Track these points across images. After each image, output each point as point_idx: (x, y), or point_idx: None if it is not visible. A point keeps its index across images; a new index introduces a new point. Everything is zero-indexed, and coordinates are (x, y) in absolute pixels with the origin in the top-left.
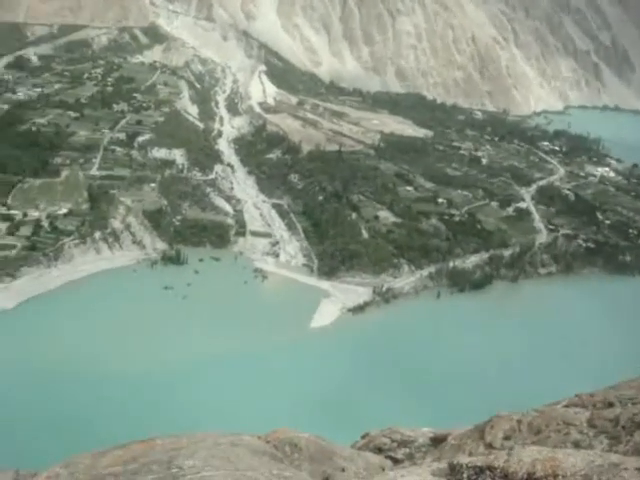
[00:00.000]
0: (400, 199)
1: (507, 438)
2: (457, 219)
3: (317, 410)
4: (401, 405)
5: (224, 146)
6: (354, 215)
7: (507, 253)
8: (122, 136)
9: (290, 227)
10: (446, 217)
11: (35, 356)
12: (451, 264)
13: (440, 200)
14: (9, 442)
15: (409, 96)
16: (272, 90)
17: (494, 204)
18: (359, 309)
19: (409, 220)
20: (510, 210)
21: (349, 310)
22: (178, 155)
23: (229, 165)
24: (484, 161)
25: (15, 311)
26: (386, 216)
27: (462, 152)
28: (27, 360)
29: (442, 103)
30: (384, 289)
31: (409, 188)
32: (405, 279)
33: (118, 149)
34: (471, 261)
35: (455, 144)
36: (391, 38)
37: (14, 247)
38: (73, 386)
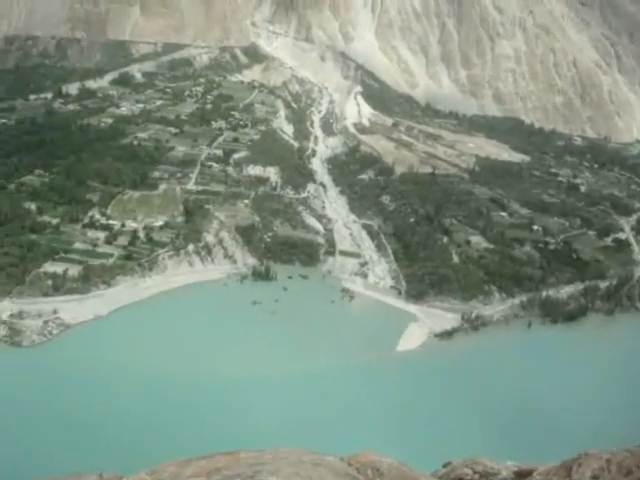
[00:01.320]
0: (493, 224)
1: (595, 477)
2: (552, 247)
3: (398, 434)
4: (483, 435)
5: (317, 165)
6: (445, 239)
7: (603, 285)
8: (219, 152)
9: (380, 248)
10: (541, 245)
11: (125, 363)
12: (544, 293)
13: (535, 227)
14: (94, 445)
15: (506, 120)
16: (367, 111)
17: (591, 233)
18: (446, 335)
19: (502, 246)
20: (608, 240)
21: (436, 335)
22: (272, 173)
23: (321, 184)
24: (582, 189)
25: (109, 318)
26: (478, 241)
27: (560, 179)
28: (117, 366)
29: (540, 128)
30: (473, 316)
31: (503, 214)
32: (495, 307)
33: (215, 165)
34: (565, 291)
35: (553, 170)
36: (490, 61)
37: (111, 256)
38: (159, 392)
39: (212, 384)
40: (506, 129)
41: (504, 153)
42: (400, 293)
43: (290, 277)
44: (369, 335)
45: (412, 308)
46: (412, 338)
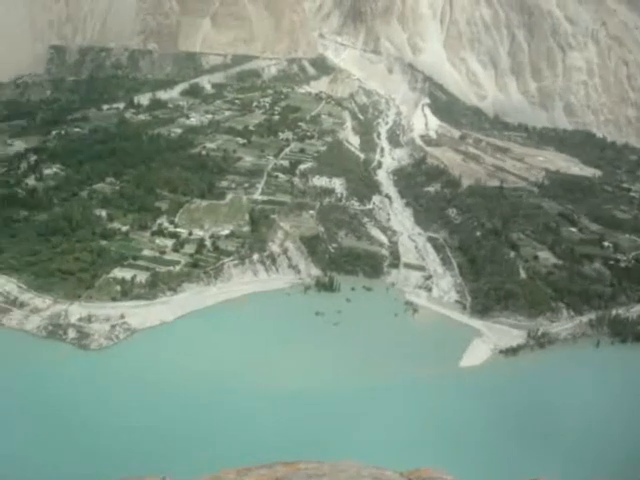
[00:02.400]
0: (562, 240)
1: None
2: (623, 265)
3: (459, 451)
4: (546, 456)
5: (383, 177)
6: (512, 254)
7: None
8: (285, 163)
9: (445, 262)
10: (611, 262)
11: (188, 369)
12: (613, 312)
13: (606, 244)
14: (157, 448)
15: (577, 133)
16: (434, 123)
17: None
18: (511, 352)
19: (571, 262)
20: None
21: (501, 352)
22: (338, 184)
23: (387, 196)
24: None
25: (174, 324)
26: (546, 257)
27: (632, 194)
28: (180, 372)
29: (613, 142)
30: (539, 333)
31: (573, 229)
32: (563, 324)
33: (281, 176)
34: (635, 310)
35: (625, 185)
36: (561, 73)
37: (178, 263)
38: (220, 399)
39: (271, 393)
40: (577, 142)
41: (574, 167)
42: (465, 308)
43: (353, 289)
44: (432, 350)
45: (477, 323)
46: (476, 354)
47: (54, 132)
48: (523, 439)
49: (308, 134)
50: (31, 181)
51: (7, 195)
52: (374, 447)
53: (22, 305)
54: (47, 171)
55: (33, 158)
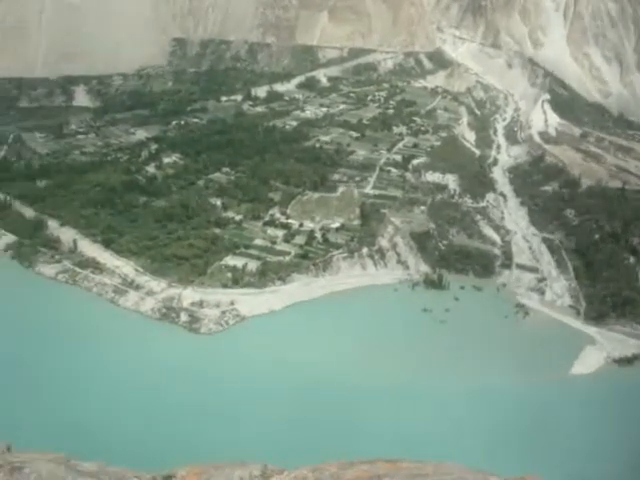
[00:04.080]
0: None
1: None
2: None
3: (564, 460)
4: None
5: (498, 174)
6: (632, 259)
7: None
8: (398, 158)
9: (560, 264)
10: None
11: (293, 358)
12: None
13: None
14: (258, 434)
15: None
16: (554, 120)
17: None
18: (626, 361)
19: None
20: None
21: (615, 361)
22: (451, 180)
23: (501, 194)
24: None
25: (281, 313)
26: None
27: None
28: (285, 360)
29: None
30: None
31: None
32: None
33: (393, 170)
34: None
35: None
36: None
37: (288, 254)
38: (320, 390)
39: (372, 388)
40: None
41: None
42: (579, 313)
43: (463, 287)
44: (542, 355)
45: (591, 330)
46: (588, 362)
47: (174, 122)
48: (633, 455)
49: (422, 129)
50: (151, 169)
51: (128, 181)
52: (477, 451)
53: (138, 287)
54: (166, 160)
55: (154, 147)
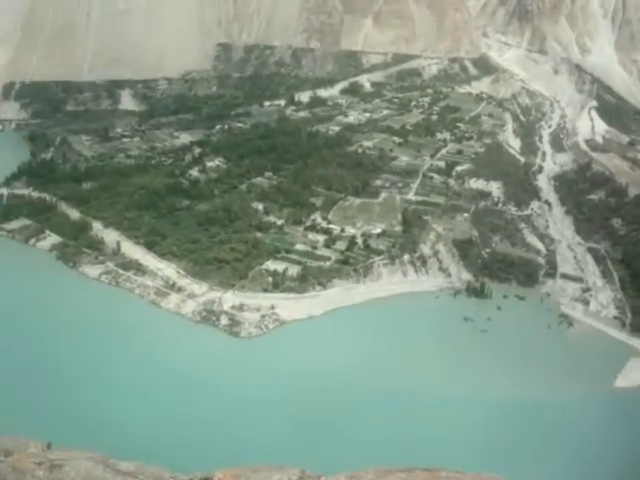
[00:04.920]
0: None
1: None
2: None
3: (604, 477)
4: None
5: (543, 182)
6: None
7: None
8: (441, 164)
9: (605, 275)
10: None
11: (331, 363)
12: None
13: None
14: (298, 440)
15: None
16: (601, 127)
17: None
18: None
19: None
20: None
21: None
22: (495, 187)
23: (546, 202)
24: None
25: (321, 318)
26: None
27: None
28: (324, 365)
29: None
30: None
31: None
32: None
33: (436, 177)
34: None
35: None
36: None
37: (329, 259)
38: (359, 397)
39: (411, 395)
40: None
41: None
42: (624, 325)
43: (505, 296)
44: (585, 367)
45: (636, 342)
46: (633, 375)
47: (218, 126)
48: None
49: (466, 135)
50: (195, 172)
51: (172, 185)
52: (513, 463)
53: (180, 290)
54: (210, 163)
55: (197, 151)
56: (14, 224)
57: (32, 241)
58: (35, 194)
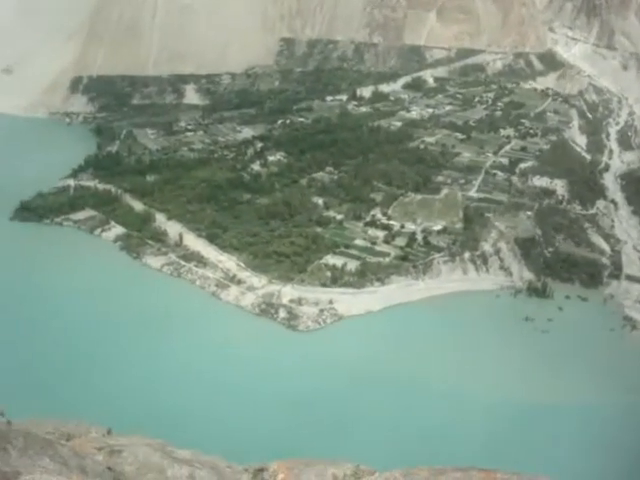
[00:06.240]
0: None
1: None
2: None
3: None
4: None
5: (610, 181)
6: None
7: None
8: (505, 161)
9: None
10: None
11: (388, 360)
12: None
13: None
14: (352, 437)
15: None
16: None
17: None
18: None
19: None
20: None
21: None
22: (559, 185)
23: (612, 202)
24: None
25: (379, 314)
26: None
27: None
28: (380, 362)
29: None
30: None
31: None
32: None
33: (499, 173)
34: None
35: None
36: None
37: (388, 255)
38: (413, 395)
39: (467, 395)
40: None
41: None
42: None
43: (568, 297)
44: None
45: None
46: None
47: (280, 121)
48: None
49: (531, 132)
50: (256, 166)
51: (234, 178)
52: (568, 467)
53: (239, 282)
54: (271, 158)
55: (259, 145)
56: (80, 215)
57: (97, 231)
58: (101, 186)
